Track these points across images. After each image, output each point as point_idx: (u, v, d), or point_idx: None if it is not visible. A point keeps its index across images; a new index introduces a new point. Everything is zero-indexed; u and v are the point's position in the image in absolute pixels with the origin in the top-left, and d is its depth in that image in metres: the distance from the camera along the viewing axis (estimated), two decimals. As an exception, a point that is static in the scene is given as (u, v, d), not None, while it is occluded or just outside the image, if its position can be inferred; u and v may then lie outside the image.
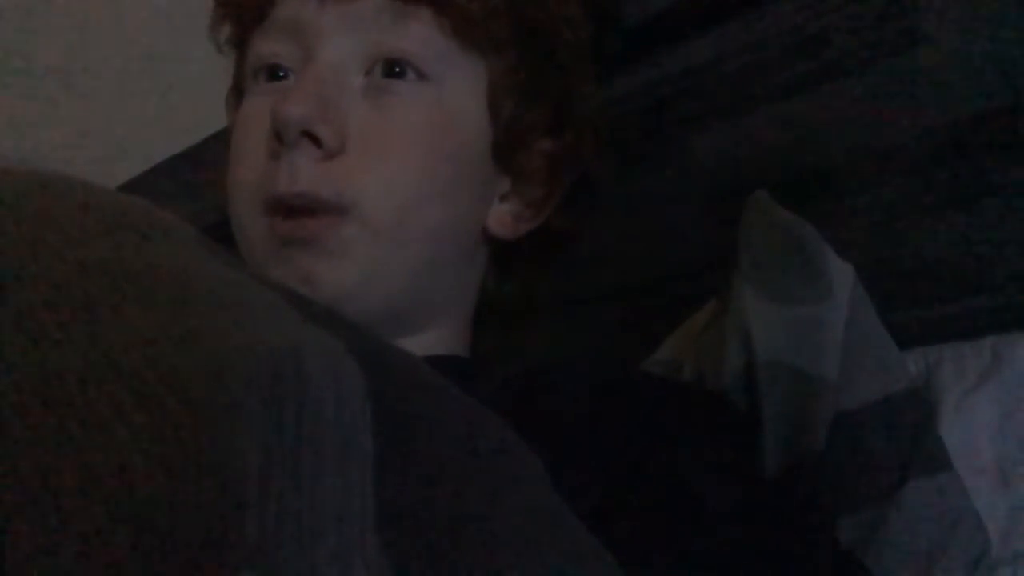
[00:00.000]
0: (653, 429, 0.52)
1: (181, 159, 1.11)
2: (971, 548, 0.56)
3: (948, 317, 0.67)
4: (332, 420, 0.27)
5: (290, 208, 0.54)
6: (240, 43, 0.63)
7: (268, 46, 0.58)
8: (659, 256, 0.81)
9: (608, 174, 0.66)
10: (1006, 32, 0.65)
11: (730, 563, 0.46)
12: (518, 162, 0.60)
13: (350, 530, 0.26)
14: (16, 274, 0.25)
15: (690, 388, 0.66)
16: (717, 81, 0.78)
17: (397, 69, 0.56)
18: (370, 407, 0.29)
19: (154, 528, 0.23)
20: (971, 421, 0.60)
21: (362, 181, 0.54)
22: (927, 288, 0.68)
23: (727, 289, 0.65)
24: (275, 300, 0.30)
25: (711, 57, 0.78)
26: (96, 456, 0.23)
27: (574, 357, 0.82)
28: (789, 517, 0.52)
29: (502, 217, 0.61)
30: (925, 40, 0.68)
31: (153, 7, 1.24)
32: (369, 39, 0.56)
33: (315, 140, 0.53)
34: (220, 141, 0.69)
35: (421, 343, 0.57)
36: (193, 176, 1.07)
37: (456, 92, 0.57)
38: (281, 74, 0.58)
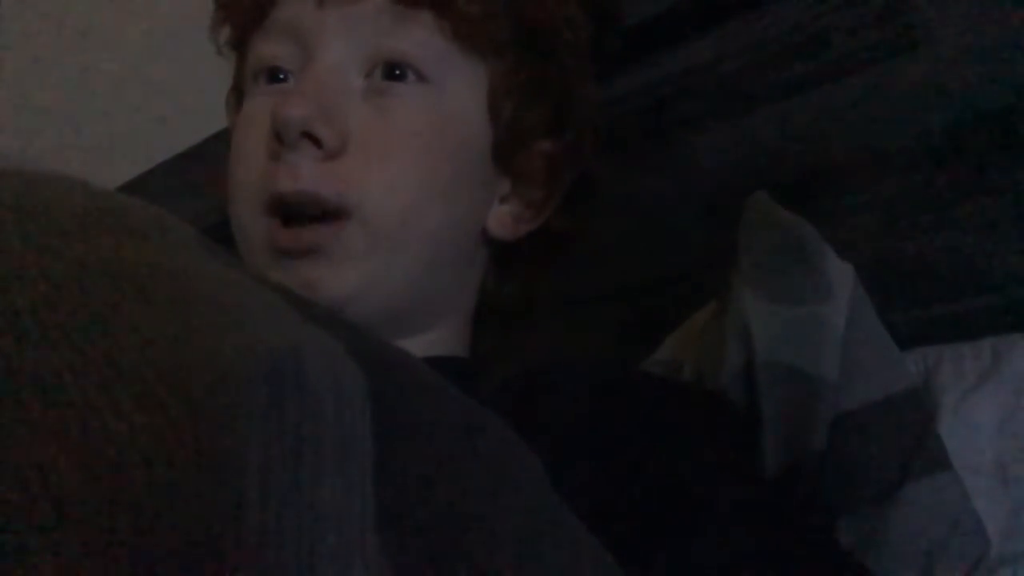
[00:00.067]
0: (653, 429, 0.52)
1: (181, 159, 1.11)
2: (971, 548, 0.56)
3: (948, 317, 0.67)
4: (332, 420, 0.27)
5: (289, 211, 0.54)
6: (240, 45, 0.63)
7: (268, 48, 0.58)
8: (659, 256, 0.81)
9: (608, 174, 0.66)
10: (1006, 32, 0.65)
11: (730, 563, 0.46)
12: (518, 163, 0.60)
13: (350, 530, 0.26)
14: (16, 274, 0.25)
15: (690, 388, 0.66)
16: (717, 81, 0.78)
17: (397, 71, 0.56)
18: (370, 407, 0.29)
19: (154, 528, 0.23)
20: (971, 421, 0.60)
21: (363, 182, 0.54)
22: (927, 288, 0.68)
23: (727, 289, 0.65)
24: (275, 301, 0.30)
25: (711, 57, 0.78)
26: (96, 456, 0.23)
27: (574, 357, 0.82)
28: (789, 517, 0.52)
29: (502, 218, 0.61)
30: (925, 40, 0.68)
31: (153, 7, 1.24)
32: (369, 41, 0.56)
33: (315, 141, 0.53)
34: (220, 141, 0.69)
35: (421, 344, 0.57)
36: (193, 176, 1.07)
37: (456, 94, 0.57)
38: (281, 76, 0.58)
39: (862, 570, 0.52)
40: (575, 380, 0.57)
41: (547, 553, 0.32)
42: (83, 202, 0.28)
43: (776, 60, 0.74)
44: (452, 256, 0.59)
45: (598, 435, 0.52)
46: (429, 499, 0.29)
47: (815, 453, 0.59)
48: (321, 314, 0.32)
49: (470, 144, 0.58)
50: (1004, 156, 0.65)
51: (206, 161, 1.03)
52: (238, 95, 0.65)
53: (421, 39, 0.56)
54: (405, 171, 0.55)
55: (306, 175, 0.53)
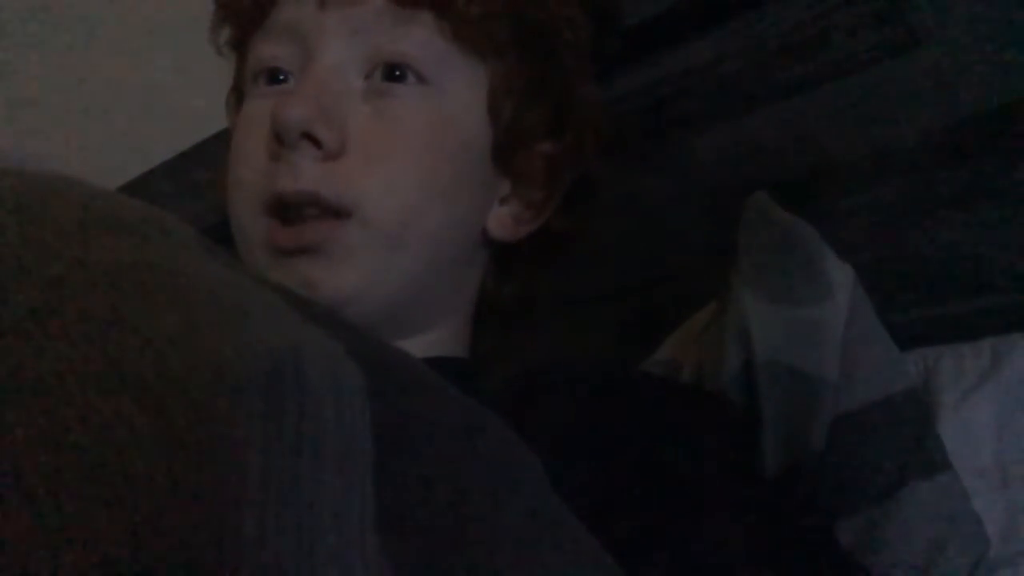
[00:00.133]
0: (653, 429, 0.52)
1: (181, 159, 1.11)
2: (970, 549, 0.56)
3: (948, 317, 0.67)
4: (332, 420, 0.27)
5: (288, 211, 0.54)
6: (240, 45, 0.63)
7: (268, 49, 0.58)
8: (659, 256, 0.82)
9: (608, 174, 0.66)
10: (1006, 32, 0.65)
11: (730, 563, 0.46)
12: (518, 164, 0.60)
13: (350, 530, 0.26)
14: (16, 274, 0.25)
15: (690, 388, 0.66)
16: (717, 81, 0.78)
17: (397, 72, 0.56)
18: (370, 407, 0.29)
19: (154, 528, 0.23)
20: (970, 422, 0.60)
21: (363, 184, 0.54)
22: (927, 288, 0.68)
23: (727, 289, 0.65)
24: (275, 301, 0.31)
25: (711, 57, 0.78)
26: (96, 456, 0.23)
27: (574, 357, 0.83)
28: (789, 517, 0.52)
29: (502, 219, 0.61)
30: (925, 40, 0.68)
31: (154, 7, 1.24)
32: (369, 42, 0.56)
33: (315, 142, 0.53)
34: (220, 141, 0.69)
35: (421, 344, 0.57)
36: (193, 176, 1.07)
37: (456, 95, 0.57)
38: (281, 77, 0.58)
39: (861, 571, 0.52)
40: (575, 380, 0.57)
41: (547, 553, 0.32)
42: (83, 202, 0.28)
43: (776, 60, 0.74)
44: (452, 257, 0.59)
45: (598, 435, 0.52)
46: (429, 499, 0.29)
47: (815, 453, 0.59)
48: (321, 314, 0.32)
49: (470, 145, 0.58)
50: (1004, 156, 0.65)
51: (206, 162, 1.03)
52: (238, 96, 0.65)
53: (421, 40, 0.56)
54: (405, 172, 0.55)
55: (306, 175, 0.53)
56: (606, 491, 0.48)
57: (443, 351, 0.59)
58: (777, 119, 0.75)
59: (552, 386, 0.56)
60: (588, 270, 0.76)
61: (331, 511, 0.26)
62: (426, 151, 0.56)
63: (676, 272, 0.80)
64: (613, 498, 0.48)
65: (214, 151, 0.90)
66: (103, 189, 0.30)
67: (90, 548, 0.22)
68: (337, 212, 0.53)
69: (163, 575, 0.23)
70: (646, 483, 0.49)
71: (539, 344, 0.76)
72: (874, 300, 0.64)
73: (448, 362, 0.58)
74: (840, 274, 0.63)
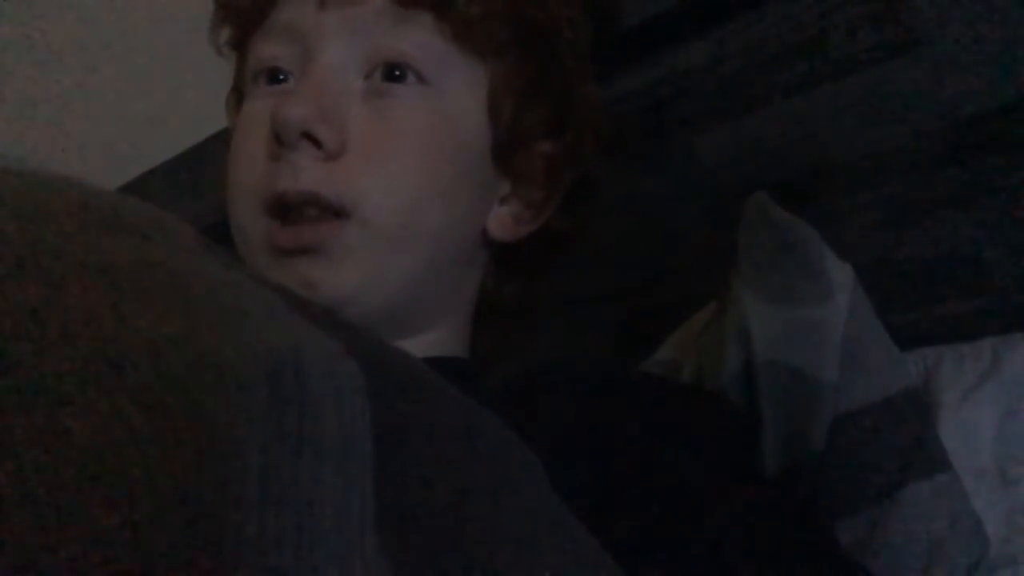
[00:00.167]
0: (653, 429, 0.52)
1: (181, 160, 1.11)
2: (970, 549, 0.56)
3: (948, 317, 0.67)
4: (332, 420, 0.27)
5: (288, 211, 0.54)
6: (240, 45, 0.63)
7: (268, 49, 0.58)
8: (659, 256, 0.82)
9: (608, 174, 0.66)
10: (1006, 32, 0.65)
11: (730, 563, 0.46)
12: (518, 164, 0.60)
13: (350, 530, 0.26)
14: (16, 274, 0.25)
15: (690, 388, 0.66)
16: (717, 81, 0.78)
17: (397, 73, 0.56)
18: (370, 407, 0.29)
19: (154, 528, 0.23)
20: (971, 422, 0.60)
21: (363, 184, 0.54)
22: (927, 288, 0.68)
23: (727, 289, 0.65)
24: (275, 301, 0.31)
25: (711, 57, 0.78)
26: (96, 457, 0.23)
27: (574, 357, 0.83)
28: (789, 517, 0.52)
29: (502, 219, 0.61)
30: (925, 40, 0.68)
31: (154, 7, 1.24)
32: (369, 43, 0.56)
33: (315, 142, 0.53)
34: (220, 141, 0.69)
35: (421, 344, 0.57)
36: (193, 176, 1.07)
37: (456, 95, 0.57)
38: (281, 77, 0.58)
39: (862, 570, 0.52)
40: (575, 380, 0.57)
41: (547, 553, 0.32)
42: (83, 202, 0.28)
43: (776, 60, 0.74)
44: (452, 257, 0.59)
45: (598, 435, 0.52)
46: (429, 499, 0.29)
47: (815, 453, 0.59)
48: (321, 314, 0.32)
49: (470, 145, 0.58)
50: (1003, 156, 0.65)
51: (206, 162, 1.03)
52: (238, 96, 0.65)
53: (421, 40, 0.56)
54: (405, 172, 0.55)
55: (306, 176, 0.53)
56: (606, 491, 0.48)
57: (443, 351, 0.59)
58: (777, 119, 0.75)
59: (552, 386, 0.56)
60: (588, 270, 0.76)
61: (331, 511, 0.26)
62: (426, 151, 0.56)
63: (676, 272, 0.80)
64: (613, 498, 0.48)
65: (214, 151, 0.90)
66: (103, 189, 0.30)
67: (90, 548, 0.22)
68: (337, 212, 0.53)
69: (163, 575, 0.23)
70: (646, 483, 0.49)
71: (539, 344, 0.76)
72: (874, 300, 0.64)
73: (448, 362, 0.58)
74: (840, 274, 0.63)
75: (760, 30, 0.75)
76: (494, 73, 0.59)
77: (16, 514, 0.22)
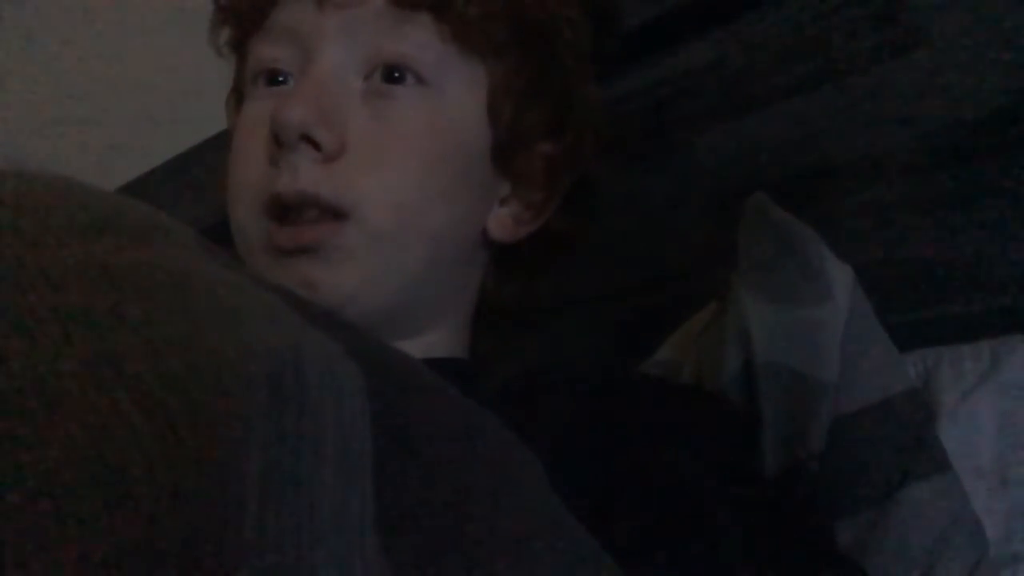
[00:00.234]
0: (653, 429, 0.52)
1: (181, 161, 1.11)
2: (970, 550, 0.56)
3: (947, 319, 0.67)
4: (332, 421, 0.27)
5: (287, 212, 0.54)
6: (240, 46, 0.63)
7: (268, 50, 0.58)
8: (659, 256, 0.82)
9: (608, 174, 0.66)
10: (1006, 32, 0.65)
11: (729, 563, 0.46)
12: (518, 165, 0.60)
13: (350, 530, 0.26)
14: (15, 274, 0.25)
15: (690, 388, 0.66)
16: (717, 81, 0.78)
17: (396, 74, 0.56)
18: (370, 408, 0.29)
19: (154, 528, 0.23)
20: (970, 423, 0.60)
21: (362, 185, 0.54)
22: (927, 289, 0.68)
23: (727, 290, 0.65)
24: (274, 302, 0.31)
25: (711, 58, 0.78)
26: (96, 457, 0.23)
27: (574, 357, 0.83)
28: (789, 517, 0.52)
29: (502, 220, 0.61)
30: (925, 40, 0.68)
31: (154, 8, 1.24)
32: (368, 44, 0.56)
33: (314, 144, 0.53)
34: (220, 142, 0.69)
35: (420, 345, 0.57)
36: (193, 177, 1.07)
37: (456, 96, 0.57)
38: (281, 79, 0.58)
39: (862, 570, 0.52)
40: (575, 380, 0.57)
41: (546, 553, 0.32)
42: (83, 202, 0.28)
43: (776, 60, 0.74)
44: (452, 258, 0.59)
45: (598, 435, 0.52)
46: (429, 499, 0.29)
47: (815, 454, 0.59)
48: (321, 315, 0.32)
49: (469, 146, 0.58)
50: (1004, 156, 0.65)
51: (206, 163, 1.04)
52: (238, 97, 0.65)
53: (420, 41, 0.56)
54: (404, 173, 0.55)
55: (305, 177, 0.53)
56: (606, 491, 0.48)
57: (443, 352, 0.59)
58: (777, 119, 0.75)
59: (552, 386, 0.56)
60: (588, 270, 0.76)
61: (331, 511, 0.26)
62: (425, 152, 0.56)
63: (676, 272, 0.80)
64: (613, 498, 0.48)
65: (214, 152, 0.90)
66: (103, 190, 0.30)
67: (90, 548, 0.22)
68: (336, 213, 0.53)
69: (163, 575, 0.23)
70: (646, 483, 0.49)
71: (539, 344, 0.76)
72: (874, 300, 0.64)
73: (448, 363, 0.58)
74: (840, 274, 0.63)
75: (760, 30, 0.75)
76: (494, 74, 0.59)
77: (17, 515, 0.22)
